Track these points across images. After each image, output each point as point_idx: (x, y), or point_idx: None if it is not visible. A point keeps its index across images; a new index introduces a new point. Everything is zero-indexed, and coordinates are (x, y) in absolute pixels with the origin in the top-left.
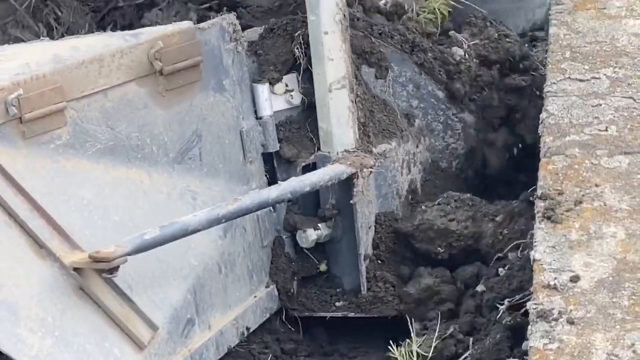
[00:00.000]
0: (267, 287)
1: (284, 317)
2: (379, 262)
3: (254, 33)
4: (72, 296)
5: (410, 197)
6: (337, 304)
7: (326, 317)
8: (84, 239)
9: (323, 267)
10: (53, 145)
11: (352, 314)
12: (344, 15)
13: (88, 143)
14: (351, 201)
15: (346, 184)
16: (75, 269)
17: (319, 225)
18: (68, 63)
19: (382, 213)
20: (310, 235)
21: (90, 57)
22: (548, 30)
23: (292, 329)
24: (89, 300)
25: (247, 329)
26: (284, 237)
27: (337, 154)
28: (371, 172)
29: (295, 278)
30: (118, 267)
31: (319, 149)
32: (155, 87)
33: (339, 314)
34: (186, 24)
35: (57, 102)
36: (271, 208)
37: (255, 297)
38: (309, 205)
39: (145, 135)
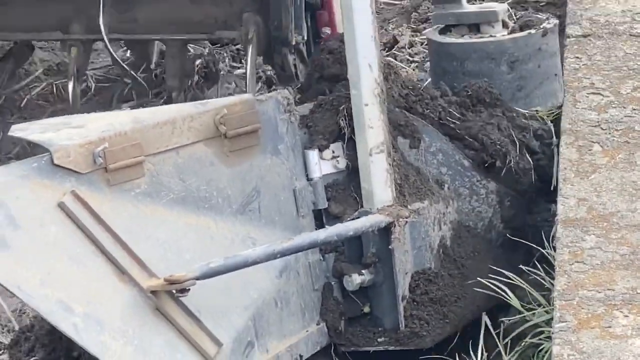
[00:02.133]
0: (318, 324)
1: (332, 351)
2: (415, 303)
3: (305, 108)
4: (149, 314)
5: (441, 250)
6: (379, 339)
7: (370, 351)
8: (159, 271)
9: (367, 308)
10: (133, 193)
11: (392, 348)
12: (382, 89)
13: (163, 192)
14: (389, 247)
15: (385, 233)
16: (152, 292)
17: (363, 271)
18: (146, 123)
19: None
20: (355, 280)
21: (165, 120)
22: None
23: None
24: (163, 318)
25: (300, 356)
26: (332, 282)
27: (377, 209)
28: (406, 222)
29: (343, 318)
30: (188, 289)
31: (361, 206)
32: (220, 148)
33: (381, 348)
34: (247, 96)
35: (136, 156)
36: (321, 257)
37: (307, 331)
38: (354, 254)
39: (212, 189)
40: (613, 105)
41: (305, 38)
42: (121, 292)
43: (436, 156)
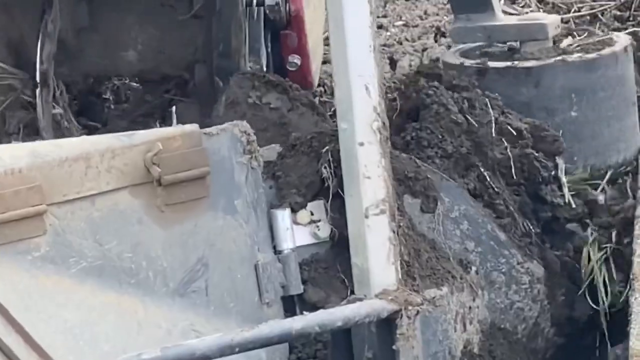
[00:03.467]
0: None
1: None
2: None
3: (271, 152)
4: None
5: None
6: None
7: None
8: None
9: None
10: (30, 257)
11: None
12: (384, 123)
13: (72, 259)
14: (393, 347)
15: (387, 327)
16: None
17: None
18: (48, 159)
19: None
20: None
21: (76, 155)
22: None
23: None
24: None
25: None
26: None
27: (376, 294)
28: (418, 312)
29: None
30: None
31: (352, 292)
32: (152, 200)
33: None
34: (191, 127)
35: (35, 204)
36: None
37: None
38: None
39: (140, 257)
40: None
41: (265, 68)
42: None
43: (460, 225)
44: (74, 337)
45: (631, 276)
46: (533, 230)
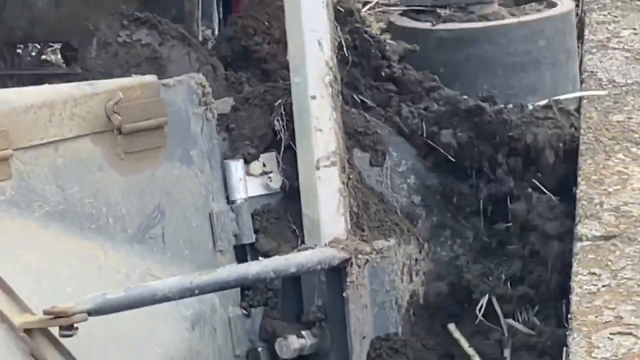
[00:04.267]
0: None
1: None
2: None
3: (225, 104)
4: None
5: (411, 311)
6: None
7: None
8: (32, 305)
9: None
10: None
11: None
12: (335, 77)
13: (35, 203)
14: (343, 294)
15: (336, 275)
16: (26, 331)
17: (303, 333)
18: (15, 105)
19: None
20: (292, 344)
21: (40, 102)
22: None
23: None
24: None
25: None
26: (259, 349)
27: (326, 243)
28: (367, 260)
29: None
30: (76, 327)
31: (302, 242)
32: (112, 148)
33: None
34: (149, 78)
35: (1, 148)
36: (245, 311)
37: None
38: (291, 308)
39: (100, 203)
40: None
41: (217, 32)
42: None
43: (407, 179)
44: (38, 279)
45: (569, 316)
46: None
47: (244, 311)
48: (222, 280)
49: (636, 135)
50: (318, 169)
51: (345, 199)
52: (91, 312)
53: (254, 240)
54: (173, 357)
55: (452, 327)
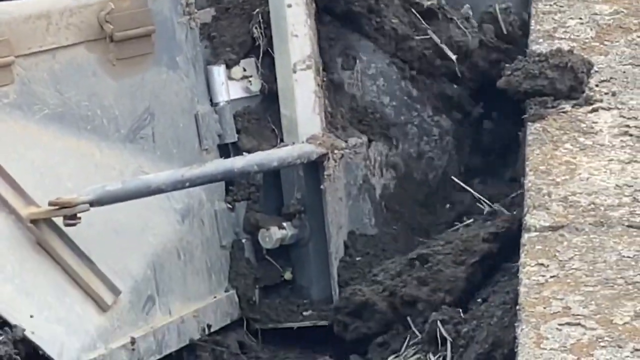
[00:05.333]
0: (226, 291)
1: (245, 327)
2: (350, 268)
3: (207, 14)
4: (29, 250)
5: (383, 204)
6: (304, 313)
7: (293, 328)
8: (36, 199)
9: (288, 275)
10: (0, 103)
11: (321, 323)
12: None
13: (36, 106)
14: (321, 186)
15: (314, 169)
16: (33, 222)
17: (284, 224)
18: (15, 15)
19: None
20: (274, 234)
21: (38, 13)
22: None
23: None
24: (47, 256)
25: (209, 326)
26: (243, 240)
27: (304, 140)
28: (342, 156)
29: (257, 286)
30: (79, 217)
31: (281, 140)
32: (105, 54)
33: (307, 324)
34: None
35: (4, 55)
36: (229, 206)
37: (215, 297)
38: (272, 203)
39: (95, 106)
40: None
41: None
42: None
43: (376, 81)
44: (41, 175)
45: (517, 307)
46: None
47: (229, 205)
48: (210, 173)
49: (584, 125)
50: (295, 72)
51: (320, 100)
52: (92, 203)
53: (236, 140)
54: (166, 246)
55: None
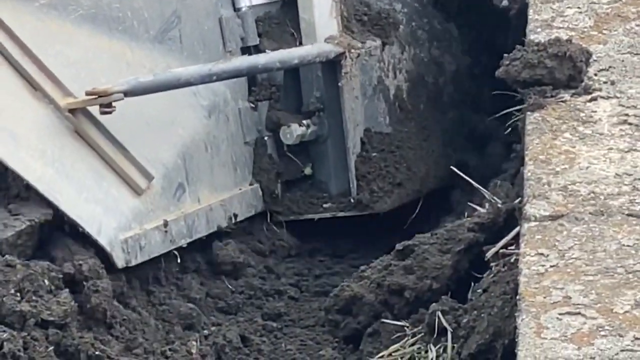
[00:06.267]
0: (250, 184)
1: (269, 219)
2: (367, 162)
3: None
4: (68, 137)
5: (397, 104)
6: (324, 205)
7: (314, 219)
8: (73, 91)
9: (308, 170)
10: (37, 4)
11: (341, 214)
12: None
13: (71, 7)
14: (339, 84)
15: (332, 70)
16: (71, 112)
17: (304, 121)
18: None
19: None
20: (294, 131)
21: None
22: None
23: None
24: (84, 143)
25: (235, 215)
26: (265, 137)
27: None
28: (359, 55)
29: (279, 180)
30: (114, 106)
31: (300, 43)
32: None
33: (328, 215)
34: None
35: None
36: (252, 105)
37: (240, 189)
38: (292, 102)
39: (125, 8)
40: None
41: None
42: (35, 109)
43: None
44: (76, 70)
45: (518, 297)
46: None
47: (252, 105)
48: (235, 68)
49: (583, 114)
50: None
51: (336, 5)
52: (126, 93)
53: (258, 43)
54: (194, 139)
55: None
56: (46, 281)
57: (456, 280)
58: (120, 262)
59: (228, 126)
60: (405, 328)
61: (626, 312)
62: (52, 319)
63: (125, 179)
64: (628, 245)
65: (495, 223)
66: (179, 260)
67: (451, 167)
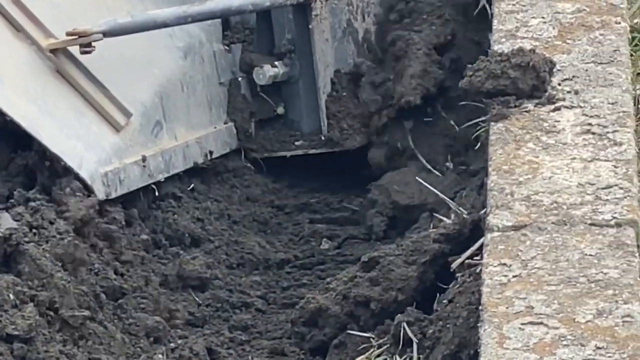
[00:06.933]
0: (225, 123)
1: (243, 157)
2: (337, 101)
3: None
4: (49, 76)
5: (365, 46)
6: (296, 143)
7: (286, 156)
8: (54, 32)
9: (280, 109)
10: None
11: (312, 151)
12: None
13: None
14: (309, 26)
15: (302, 12)
16: (52, 52)
17: (276, 63)
18: None
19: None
20: (267, 71)
21: None
22: None
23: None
24: (65, 82)
25: (211, 152)
26: (239, 78)
27: None
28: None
29: (253, 119)
30: (93, 46)
31: None
32: None
33: (299, 152)
34: None
35: None
36: (226, 47)
37: (215, 127)
38: (265, 45)
39: None
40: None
41: None
42: (17, 51)
43: None
44: (58, 12)
45: (480, 307)
46: None
47: (226, 47)
48: (209, 10)
49: (546, 124)
50: None
51: None
52: (105, 34)
53: None
54: (170, 79)
55: None
56: (11, 295)
57: (422, 292)
58: (100, 195)
59: (203, 67)
60: (371, 339)
61: (588, 321)
62: (16, 333)
63: (104, 116)
64: (590, 255)
65: (461, 234)
66: (156, 194)
67: (417, 178)
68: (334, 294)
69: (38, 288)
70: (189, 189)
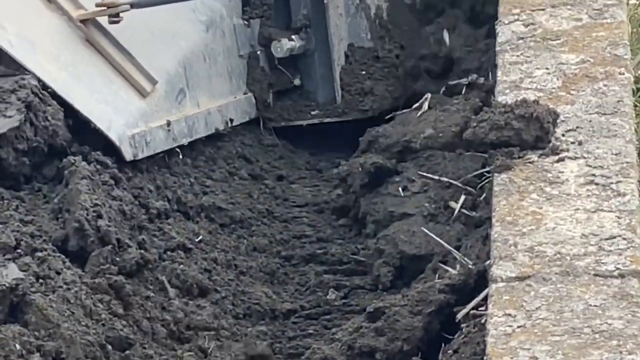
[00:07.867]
0: (245, 94)
1: (261, 126)
2: (350, 73)
3: None
4: (80, 45)
5: (377, 22)
6: (312, 112)
7: (303, 125)
8: (84, 3)
9: (297, 81)
10: None
11: (328, 120)
12: None
13: None
14: (324, 1)
15: None
16: (82, 22)
17: (293, 37)
18: None
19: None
20: (284, 45)
21: None
22: None
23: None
24: (94, 50)
25: (231, 120)
26: (258, 51)
27: None
28: None
29: (271, 90)
30: (121, 16)
31: None
32: None
33: (316, 121)
34: None
35: None
36: (246, 22)
37: (235, 97)
38: (282, 20)
39: None
40: None
41: None
42: (50, 19)
43: None
44: None
45: (485, 358)
46: None
47: (245, 22)
48: None
49: (550, 175)
50: None
51: None
52: (132, 5)
53: None
54: (194, 50)
55: None
56: (17, 345)
57: (427, 342)
58: (128, 156)
59: (224, 40)
60: None
61: None
62: None
63: (132, 82)
64: (595, 305)
65: (466, 284)
66: (180, 157)
67: (422, 228)
68: (339, 345)
69: (44, 338)
70: (197, 240)
